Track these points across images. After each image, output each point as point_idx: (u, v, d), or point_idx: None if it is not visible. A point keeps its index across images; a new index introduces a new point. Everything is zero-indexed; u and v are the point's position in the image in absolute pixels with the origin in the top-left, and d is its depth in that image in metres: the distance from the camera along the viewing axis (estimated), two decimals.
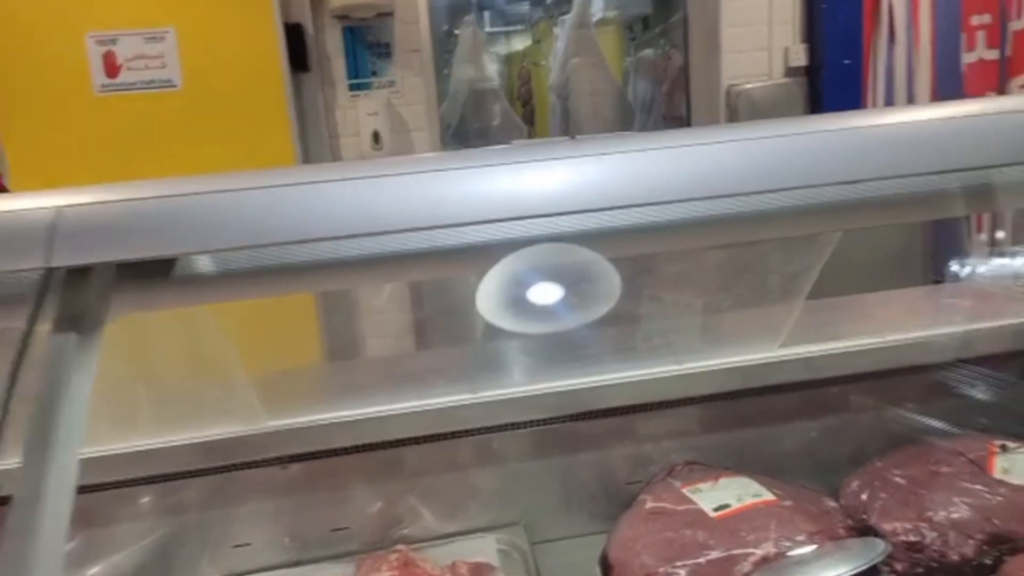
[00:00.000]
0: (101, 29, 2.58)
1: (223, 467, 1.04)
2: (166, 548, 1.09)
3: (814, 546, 0.99)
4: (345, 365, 1.51)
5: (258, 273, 0.70)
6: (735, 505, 1.03)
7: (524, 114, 5.11)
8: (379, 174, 0.63)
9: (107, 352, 0.79)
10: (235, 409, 0.97)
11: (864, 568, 0.96)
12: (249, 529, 1.11)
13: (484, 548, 1.12)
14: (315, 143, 2.96)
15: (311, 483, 1.10)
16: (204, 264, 0.61)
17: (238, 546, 1.11)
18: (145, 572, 1.08)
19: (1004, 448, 1.10)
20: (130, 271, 0.56)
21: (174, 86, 2.64)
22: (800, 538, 0.99)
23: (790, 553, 0.98)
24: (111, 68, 2.59)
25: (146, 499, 1.08)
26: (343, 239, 0.62)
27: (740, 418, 1.21)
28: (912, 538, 0.99)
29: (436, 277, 1.23)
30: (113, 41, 2.58)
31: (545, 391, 1.10)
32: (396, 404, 1.06)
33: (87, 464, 0.97)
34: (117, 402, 1.06)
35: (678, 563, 0.96)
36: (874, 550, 0.98)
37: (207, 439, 0.99)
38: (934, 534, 0.98)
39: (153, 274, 0.58)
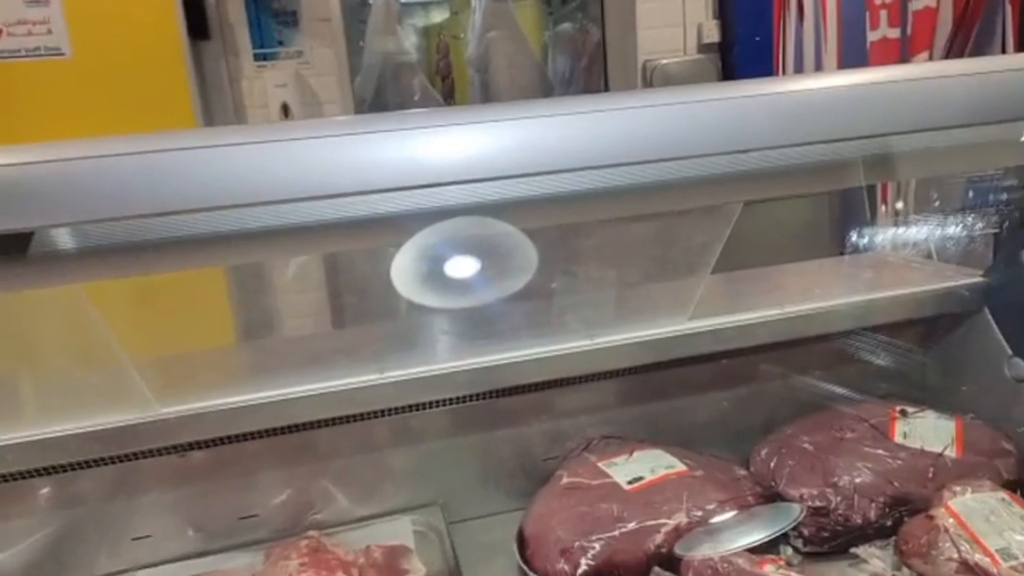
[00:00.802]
0: None
1: (116, 457, 0.98)
2: (59, 544, 1.03)
3: (731, 513, 1.00)
4: (252, 346, 1.45)
5: (137, 248, 0.65)
6: (648, 477, 1.04)
7: (443, 88, 5.03)
8: (239, 141, 0.59)
9: None
10: (125, 396, 0.91)
11: (782, 531, 0.98)
12: (149, 520, 1.05)
13: (400, 530, 1.09)
14: (220, 115, 2.83)
15: (214, 470, 1.05)
16: (65, 238, 0.56)
17: (138, 539, 1.05)
18: (36, 570, 1.01)
19: (904, 413, 1.14)
20: None
21: (62, 54, 2.47)
22: (711, 507, 1.00)
23: (712, 520, 0.99)
24: None
25: (35, 493, 1.01)
26: (221, 210, 0.57)
27: (654, 391, 1.21)
28: (818, 503, 1.02)
29: (340, 250, 1.19)
30: None
31: (458, 368, 1.07)
32: (303, 386, 1.02)
33: None
34: None
35: (592, 536, 0.96)
36: (790, 514, 1.00)
37: (96, 428, 0.93)
38: (839, 498, 1.01)
39: (6, 251, 0.52)
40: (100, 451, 0.97)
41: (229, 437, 1.01)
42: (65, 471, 0.98)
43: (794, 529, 1.00)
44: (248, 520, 1.08)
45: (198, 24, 2.73)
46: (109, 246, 0.61)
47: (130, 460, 0.99)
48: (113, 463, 0.99)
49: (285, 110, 2.87)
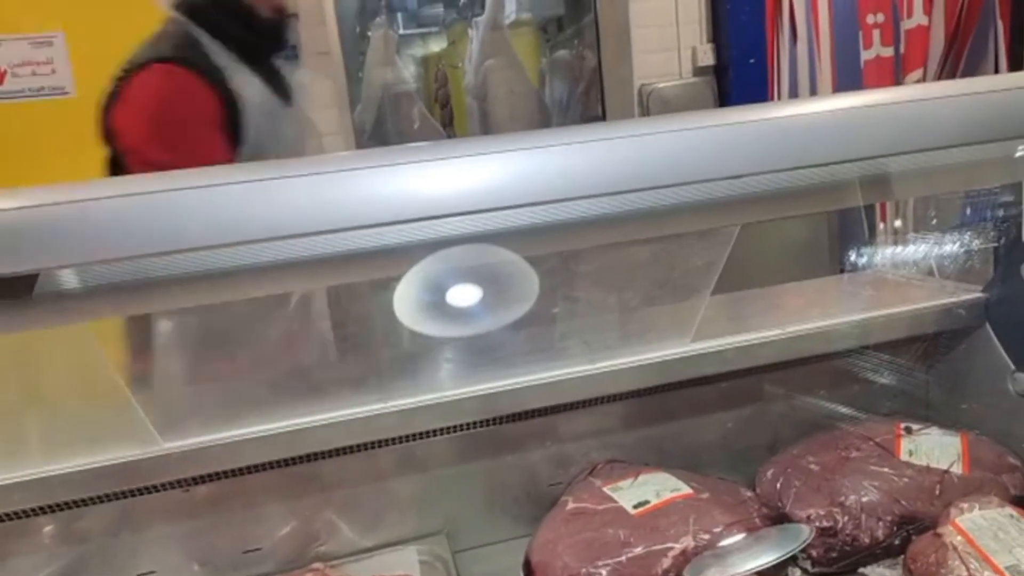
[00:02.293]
0: None
1: (121, 493, 0.98)
2: None
3: (739, 536, 1.00)
4: (256, 378, 1.46)
5: (143, 285, 0.66)
6: (654, 501, 1.03)
7: (443, 117, 5.07)
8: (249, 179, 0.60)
9: None
10: (129, 432, 0.91)
11: (792, 553, 0.97)
12: (153, 556, 1.05)
13: (405, 560, 1.09)
14: None
15: (218, 504, 1.05)
16: (69, 279, 0.57)
17: (143, 574, 1.05)
18: None
19: (909, 430, 1.14)
20: None
21: (67, 93, 2.50)
22: (718, 530, 0.99)
23: (719, 544, 0.98)
24: None
25: (40, 530, 1.01)
26: (224, 247, 0.58)
27: (658, 413, 1.21)
28: (826, 523, 1.01)
29: (342, 282, 1.20)
30: None
31: (462, 396, 1.07)
32: (306, 417, 1.02)
33: None
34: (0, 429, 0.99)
35: (599, 563, 0.96)
36: (799, 536, 0.99)
37: (101, 464, 0.93)
38: (846, 518, 1.01)
39: (12, 293, 0.53)
40: (105, 487, 0.97)
41: (233, 471, 1.01)
42: (70, 508, 0.98)
43: (802, 551, 0.99)
44: (253, 553, 1.08)
45: None
46: (114, 285, 0.62)
47: (134, 496, 0.99)
48: (117, 499, 0.99)
49: None
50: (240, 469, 1.01)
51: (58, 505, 0.97)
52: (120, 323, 0.78)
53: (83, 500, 0.98)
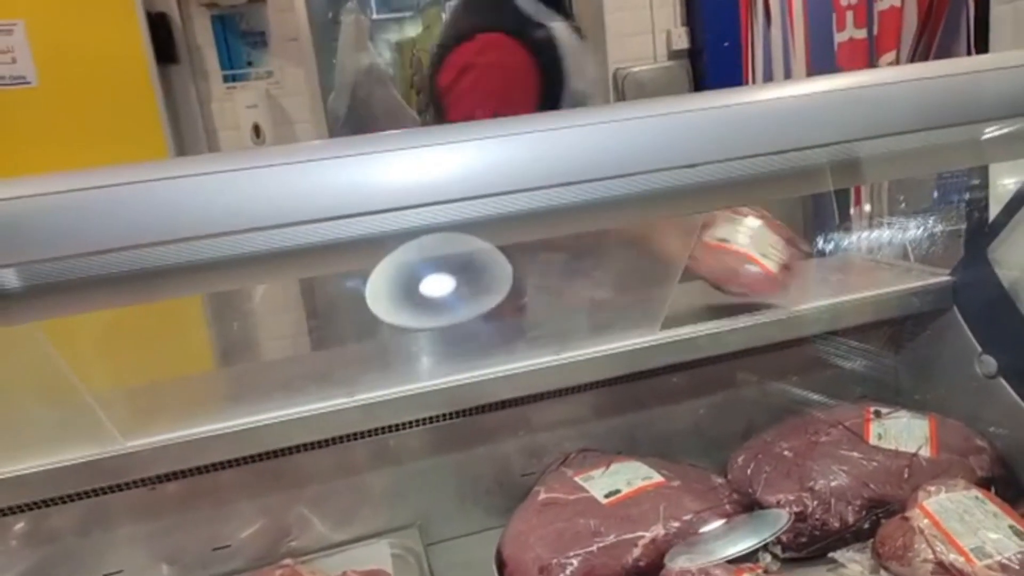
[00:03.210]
0: None
1: (84, 492, 0.96)
2: None
3: (716, 523, 1.00)
4: (225, 372, 1.44)
5: (104, 281, 0.64)
6: (625, 490, 1.03)
7: (418, 103, 5.02)
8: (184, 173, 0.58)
9: None
10: (88, 431, 0.90)
11: (771, 538, 0.98)
12: (121, 555, 1.04)
13: (377, 554, 1.08)
14: (191, 138, 2.81)
15: (186, 502, 1.04)
16: (9, 279, 0.55)
17: (110, 574, 1.03)
18: None
19: (877, 414, 1.15)
20: None
21: (28, 83, 2.45)
22: (688, 517, 1.00)
23: (691, 531, 0.99)
24: None
25: (6, 531, 0.99)
26: (185, 241, 0.57)
27: (629, 402, 1.21)
28: (796, 508, 1.01)
29: (314, 274, 1.18)
30: None
31: (431, 388, 1.06)
32: (274, 412, 1.01)
33: None
34: None
35: (571, 553, 0.95)
36: (776, 522, 1.00)
37: (61, 464, 0.91)
38: (815, 503, 1.01)
39: None
40: (68, 487, 0.95)
41: (200, 467, 1.00)
42: (35, 508, 0.96)
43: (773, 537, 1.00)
44: (222, 551, 1.07)
45: (166, 48, 2.71)
46: (72, 281, 0.60)
47: (99, 495, 0.97)
48: (81, 499, 0.97)
49: (257, 131, 2.86)
50: (207, 466, 1.00)
51: (22, 506, 0.95)
52: (73, 321, 0.76)
53: (47, 500, 0.96)
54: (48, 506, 0.97)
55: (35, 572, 1.01)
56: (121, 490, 0.98)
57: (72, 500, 0.97)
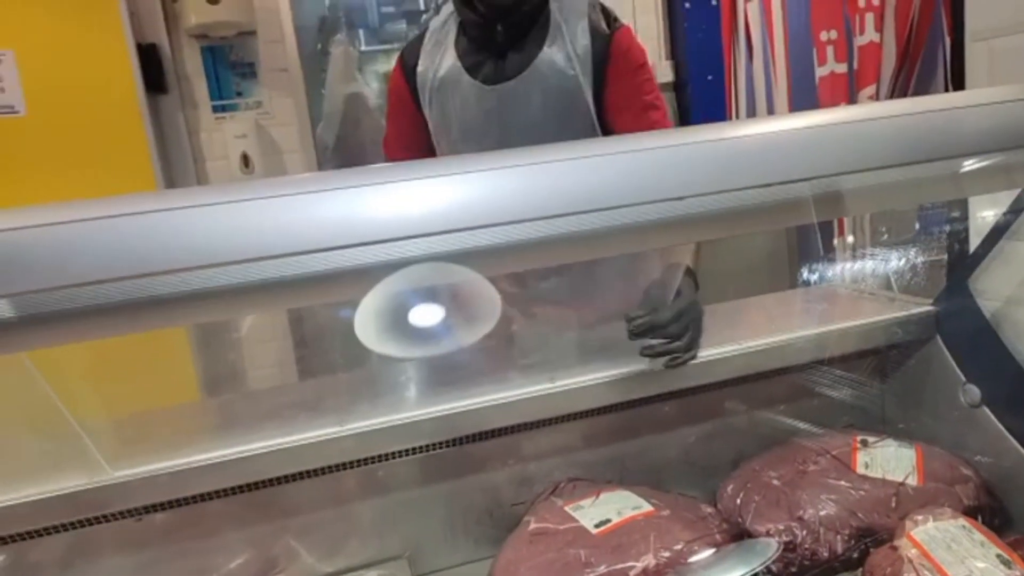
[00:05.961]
0: None
1: (70, 523, 0.95)
2: None
3: (705, 552, 1.00)
4: (213, 402, 1.43)
5: (91, 312, 0.64)
6: (615, 520, 1.03)
7: None
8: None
9: None
10: (75, 461, 0.89)
11: (760, 567, 0.98)
12: None
13: None
14: (180, 169, 2.81)
15: (173, 533, 1.03)
16: (6, 308, 0.55)
17: None
18: None
19: (864, 443, 1.15)
20: None
21: (16, 112, 2.45)
22: (679, 547, 1.00)
23: (681, 561, 0.98)
24: None
25: None
26: (175, 273, 0.57)
27: (619, 430, 1.21)
28: (785, 538, 1.02)
29: (301, 305, 1.18)
30: None
31: (421, 417, 1.06)
32: (262, 442, 1.00)
33: None
34: None
35: None
36: (766, 551, 1.00)
37: (47, 495, 0.90)
38: (804, 532, 1.02)
39: None
40: (54, 518, 0.94)
41: (187, 498, 0.99)
42: (21, 540, 0.95)
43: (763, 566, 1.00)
44: None
45: (155, 77, 2.72)
46: (60, 312, 0.60)
47: (85, 526, 0.96)
48: (67, 530, 0.96)
49: (245, 160, 2.87)
50: (195, 496, 0.99)
51: (7, 537, 0.94)
52: (68, 350, 0.76)
53: (33, 532, 0.95)
54: (33, 538, 0.95)
55: None
56: (108, 521, 0.97)
57: (58, 531, 0.96)
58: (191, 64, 2.85)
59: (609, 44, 1.47)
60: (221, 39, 2.85)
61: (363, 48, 4.78)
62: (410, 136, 1.61)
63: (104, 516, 0.96)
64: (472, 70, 1.49)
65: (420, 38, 1.57)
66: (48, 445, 0.95)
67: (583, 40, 1.46)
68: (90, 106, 2.52)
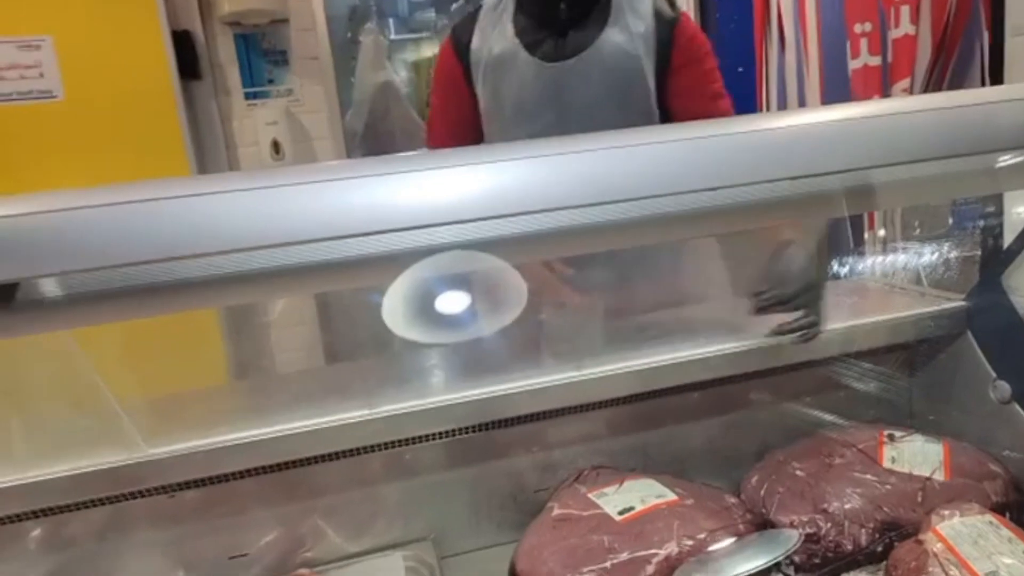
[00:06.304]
0: None
1: (106, 498, 0.98)
2: None
3: (727, 541, 1.00)
4: (243, 384, 1.46)
5: (126, 294, 0.66)
6: (639, 507, 1.04)
7: None
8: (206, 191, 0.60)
9: None
10: (113, 438, 0.91)
11: (780, 558, 0.98)
12: (139, 562, 1.05)
13: (391, 566, 1.09)
14: (211, 154, 2.85)
15: (204, 510, 1.05)
16: (51, 288, 0.57)
17: None
18: None
19: (892, 438, 1.15)
20: None
21: (54, 97, 2.50)
22: (702, 536, 1.00)
23: (705, 549, 0.99)
24: None
25: (25, 536, 1.01)
26: (212, 256, 0.58)
27: (644, 420, 1.22)
28: (809, 530, 1.02)
29: (330, 290, 1.20)
30: None
31: (448, 402, 1.08)
32: (293, 423, 1.02)
33: None
34: None
35: (584, 569, 0.96)
36: (787, 541, 1.00)
37: (85, 470, 0.93)
38: (829, 525, 1.01)
39: None
40: (90, 493, 0.97)
41: (219, 476, 1.01)
42: (56, 513, 0.98)
43: (785, 557, 1.00)
44: (239, 560, 1.08)
45: (189, 64, 2.76)
46: (97, 293, 0.62)
47: (120, 501, 0.99)
48: (103, 504, 0.99)
49: (276, 147, 2.90)
50: (226, 475, 1.01)
51: (44, 511, 0.97)
52: (106, 330, 0.78)
53: (68, 506, 0.97)
54: (71, 511, 0.98)
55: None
56: (142, 496, 0.99)
57: (94, 505, 0.99)
58: (224, 51, 2.88)
59: (674, 29, 1.46)
60: (254, 27, 2.89)
61: (393, 37, 4.80)
62: (458, 116, 1.59)
63: (139, 492, 0.99)
64: (531, 47, 1.47)
65: (473, 16, 1.55)
66: (88, 421, 0.98)
67: (647, 22, 1.44)
68: (125, 92, 2.57)
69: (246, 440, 0.99)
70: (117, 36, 2.56)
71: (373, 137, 3.87)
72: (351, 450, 1.07)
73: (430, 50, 5.35)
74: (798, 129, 0.86)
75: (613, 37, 1.45)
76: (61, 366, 0.84)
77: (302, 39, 2.97)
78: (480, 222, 0.78)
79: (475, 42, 1.51)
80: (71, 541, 1.02)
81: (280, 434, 1.01)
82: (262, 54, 2.93)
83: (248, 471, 1.02)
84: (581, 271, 1.38)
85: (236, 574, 1.07)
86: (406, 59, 5.27)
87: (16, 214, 0.51)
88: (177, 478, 0.98)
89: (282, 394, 1.22)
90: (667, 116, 1.48)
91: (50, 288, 0.59)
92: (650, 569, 0.96)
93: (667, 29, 1.45)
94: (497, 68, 1.49)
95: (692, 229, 1.04)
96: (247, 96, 2.92)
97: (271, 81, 2.95)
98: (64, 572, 1.03)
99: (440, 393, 1.09)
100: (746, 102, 3.22)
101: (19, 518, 0.97)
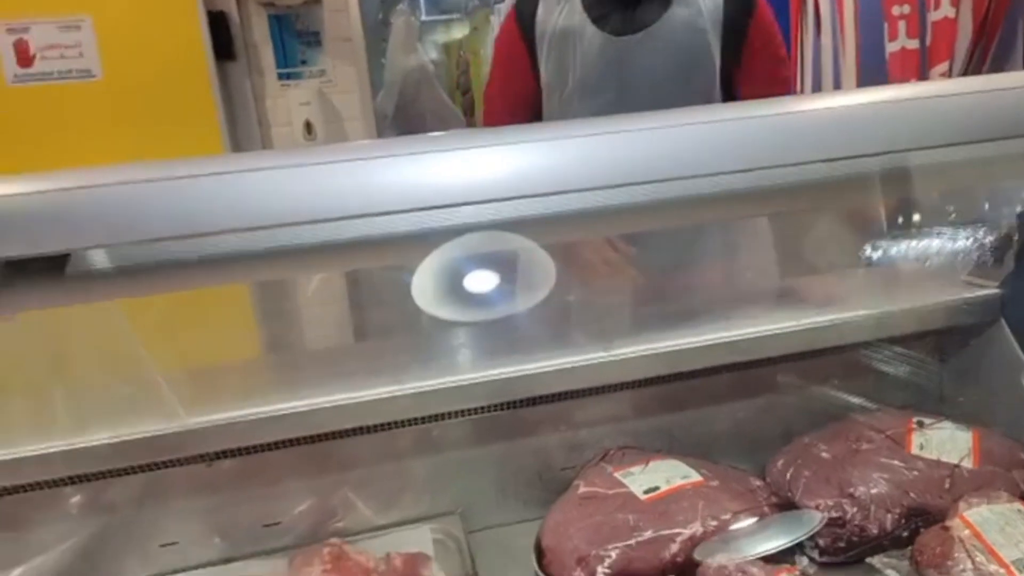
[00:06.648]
0: (11, 18, 2.47)
1: (146, 465, 1.01)
2: (90, 549, 1.06)
3: (749, 521, 1.01)
4: (277, 359, 1.49)
5: (168, 266, 0.68)
6: (664, 487, 1.05)
7: (464, 103, 5.06)
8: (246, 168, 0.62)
9: (11, 350, 0.75)
10: (154, 407, 0.94)
11: (802, 538, 0.99)
12: (176, 527, 1.08)
13: (419, 538, 1.11)
14: (245, 133, 2.89)
15: (240, 479, 1.08)
16: (100, 259, 0.59)
17: (165, 545, 1.08)
18: (69, 574, 1.05)
19: (920, 424, 1.15)
20: (20, 268, 0.54)
21: (93, 76, 2.54)
22: (726, 517, 1.01)
23: (733, 527, 1.00)
24: (24, 58, 2.48)
25: (67, 500, 1.04)
26: (247, 231, 0.60)
27: (671, 401, 1.22)
28: (834, 513, 1.02)
29: (362, 267, 1.22)
30: (25, 30, 2.47)
31: (477, 380, 1.09)
32: (326, 397, 1.04)
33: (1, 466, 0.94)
34: (30, 402, 1.02)
35: (609, 546, 0.97)
36: (809, 522, 1.01)
37: (127, 438, 0.96)
38: (855, 509, 1.02)
39: (46, 271, 0.55)
40: (130, 460, 1.00)
41: (254, 447, 1.04)
42: (97, 479, 1.01)
43: (810, 539, 1.01)
44: (272, 528, 1.11)
45: (224, 45, 2.79)
46: (141, 265, 0.64)
47: (159, 469, 1.02)
48: (143, 471, 1.02)
49: (308, 127, 2.93)
50: (261, 445, 1.04)
51: (85, 476, 1.00)
52: (148, 302, 0.80)
53: (109, 472, 1.00)
54: (111, 477, 1.01)
55: (95, 540, 1.06)
56: (180, 465, 1.02)
57: (134, 472, 1.02)
58: (258, 32, 2.91)
59: (751, 13, 1.45)
60: (287, 8, 2.91)
61: (424, 18, 4.80)
62: (517, 88, 1.58)
63: (177, 460, 1.01)
64: (599, 20, 1.45)
65: None
66: (130, 390, 1.01)
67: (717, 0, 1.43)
68: (162, 72, 2.61)
69: (280, 412, 1.01)
70: (154, 16, 2.60)
71: (404, 119, 3.88)
72: (381, 424, 1.09)
73: (460, 32, 5.34)
74: (833, 112, 0.86)
75: (683, 12, 1.43)
76: (106, 336, 0.87)
77: (335, 20, 2.99)
78: (507, 202, 0.79)
79: (540, 15, 1.50)
80: (111, 507, 1.05)
81: (313, 407, 1.03)
82: (295, 35, 2.95)
83: (282, 442, 1.05)
84: (610, 252, 1.38)
85: (269, 542, 1.10)
86: (437, 41, 5.27)
87: (65, 188, 0.53)
88: (215, 447, 1.00)
89: (314, 369, 1.24)
90: (730, 96, 1.47)
91: (99, 259, 0.61)
92: (674, 548, 0.97)
93: (741, 10, 1.44)
94: (562, 41, 1.47)
95: (726, 211, 1.04)
96: (280, 76, 2.95)
97: (304, 62, 2.97)
98: (104, 536, 1.06)
99: (468, 371, 1.11)
100: None
101: (62, 483, 1.00)
